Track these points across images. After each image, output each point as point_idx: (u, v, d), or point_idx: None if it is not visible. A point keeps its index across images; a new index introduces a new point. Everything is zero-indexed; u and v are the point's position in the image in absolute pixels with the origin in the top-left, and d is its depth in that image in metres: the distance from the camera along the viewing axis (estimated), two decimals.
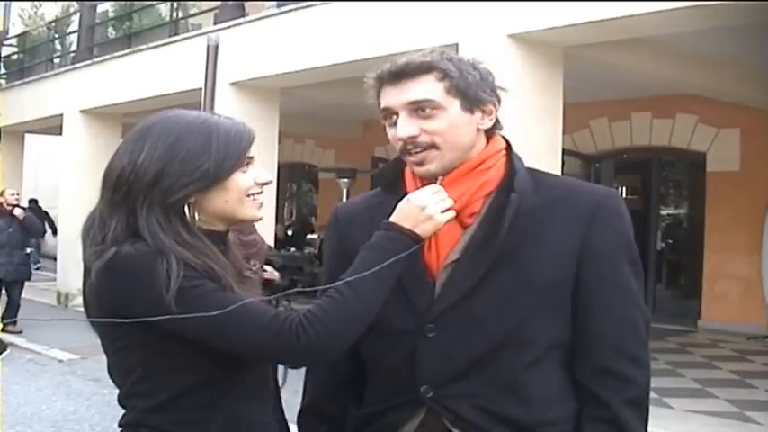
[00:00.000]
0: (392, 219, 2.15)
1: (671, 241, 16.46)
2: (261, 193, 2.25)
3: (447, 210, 2.15)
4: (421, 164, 2.20)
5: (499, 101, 2.27)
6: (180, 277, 2.01)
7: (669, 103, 14.17)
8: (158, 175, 2.10)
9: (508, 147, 2.31)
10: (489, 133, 2.29)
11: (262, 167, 2.26)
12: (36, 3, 22.30)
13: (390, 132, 2.24)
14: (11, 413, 8.28)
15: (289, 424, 2.40)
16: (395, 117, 2.21)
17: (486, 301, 2.16)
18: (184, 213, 2.15)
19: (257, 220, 2.32)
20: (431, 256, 2.22)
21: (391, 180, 2.36)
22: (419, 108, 2.17)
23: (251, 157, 2.21)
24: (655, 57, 10.51)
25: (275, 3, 13.30)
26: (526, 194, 2.20)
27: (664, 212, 16.63)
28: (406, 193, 2.23)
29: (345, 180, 14.15)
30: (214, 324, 2.00)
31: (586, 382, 2.20)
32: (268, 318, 2.03)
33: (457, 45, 8.92)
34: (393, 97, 2.21)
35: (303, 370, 2.49)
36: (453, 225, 2.21)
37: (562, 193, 2.26)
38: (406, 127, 2.18)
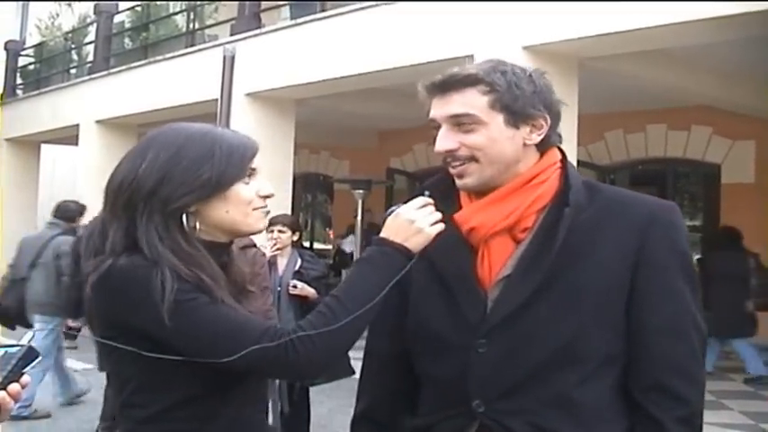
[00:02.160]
0: (383, 234, 2.17)
1: None
2: (265, 206, 2.27)
3: (436, 222, 2.16)
4: (459, 177, 2.21)
5: (554, 115, 2.24)
6: (174, 290, 2.03)
7: (684, 115, 14.15)
8: (159, 183, 2.13)
9: (564, 159, 2.28)
10: (545, 147, 2.26)
11: (265, 180, 2.28)
12: (53, 13, 22.32)
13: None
14: (26, 423, 8.32)
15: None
16: (438, 129, 2.21)
17: (538, 317, 2.13)
18: (182, 223, 2.18)
19: (258, 233, 2.34)
20: (483, 271, 2.21)
21: (445, 190, 2.30)
22: (458, 122, 2.17)
23: (254, 169, 2.23)
24: (669, 68, 10.51)
25: (291, 13, 13.36)
26: (580, 207, 2.18)
27: None
28: (460, 206, 2.25)
29: (360, 191, 14.11)
30: (206, 340, 2.03)
31: (639, 397, 2.16)
32: (258, 333, 2.04)
33: (472, 56, 8.93)
34: (438, 109, 2.21)
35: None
36: (506, 240, 2.20)
37: (617, 204, 2.23)
38: (444, 140, 2.19)
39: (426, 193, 2.23)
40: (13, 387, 1.81)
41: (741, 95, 11.78)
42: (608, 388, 2.17)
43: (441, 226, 2.16)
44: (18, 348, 1.85)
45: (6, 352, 1.85)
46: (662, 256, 2.17)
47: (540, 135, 2.22)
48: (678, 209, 2.28)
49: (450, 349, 2.22)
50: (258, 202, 2.24)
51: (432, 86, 2.21)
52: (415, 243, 2.14)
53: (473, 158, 2.17)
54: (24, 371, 1.84)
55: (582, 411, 2.13)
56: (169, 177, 2.13)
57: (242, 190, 2.21)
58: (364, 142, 19.56)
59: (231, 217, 2.21)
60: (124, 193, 2.15)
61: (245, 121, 12.44)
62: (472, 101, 2.16)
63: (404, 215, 2.16)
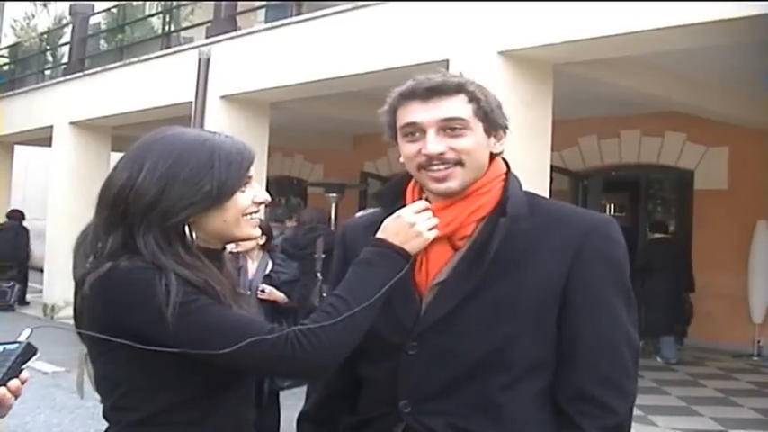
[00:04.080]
0: (380, 235, 2.18)
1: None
2: (257, 212, 2.26)
3: (433, 227, 2.18)
4: (443, 180, 2.21)
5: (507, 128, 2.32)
6: (179, 292, 2.00)
7: (658, 121, 14.21)
8: (158, 196, 2.09)
9: (508, 171, 2.33)
10: (491, 157, 2.31)
11: (259, 186, 2.26)
12: (29, 14, 22.24)
13: (408, 148, 2.24)
14: None
15: None
16: (418, 134, 2.22)
17: (468, 323, 2.17)
18: (184, 233, 2.14)
19: (254, 239, 2.32)
20: (420, 276, 2.25)
21: (392, 199, 2.36)
22: (449, 126, 2.19)
23: (250, 177, 2.22)
24: (644, 75, 10.56)
25: (266, 16, 13.34)
26: (519, 218, 2.21)
27: None
28: None
29: (334, 195, 14.15)
30: (211, 339, 2.00)
31: (565, 405, 2.19)
32: (264, 332, 2.02)
33: (447, 61, 8.95)
34: (423, 113, 2.21)
35: None
36: (444, 247, 2.24)
37: (555, 217, 2.27)
38: (435, 144, 2.19)
39: (424, 196, 2.27)
40: (14, 383, 1.85)
41: (715, 102, 11.84)
42: (535, 394, 2.19)
43: (436, 231, 2.19)
44: (17, 345, 1.90)
45: (5, 349, 1.89)
46: (596, 270, 2.20)
47: (501, 145, 2.30)
48: (616, 223, 2.30)
49: (384, 350, 2.25)
50: (252, 209, 2.23)
51: (420, 91, 2.22)
52: (413, 246, 2.16)
53: (459, 162, 2.20)
54: (23, 367, 1.88)
55: (507, 416, 2.16)
56: (169, 190, 2.09)
57: (240, 199, 2.19)
58: (338, 146, 19.56)
59: (227, 225, 2.19)
60: (120, 205, 2.11)
61: (219, 124, 12.37)
62: (461, 107, 2.21)
63: (405, 218, 2.18)
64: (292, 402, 7.97)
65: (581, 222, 2.25)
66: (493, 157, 2.30)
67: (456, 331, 2.17)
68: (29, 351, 1.90)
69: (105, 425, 2.22)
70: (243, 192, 2.20)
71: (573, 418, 2.16)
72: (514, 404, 2.16)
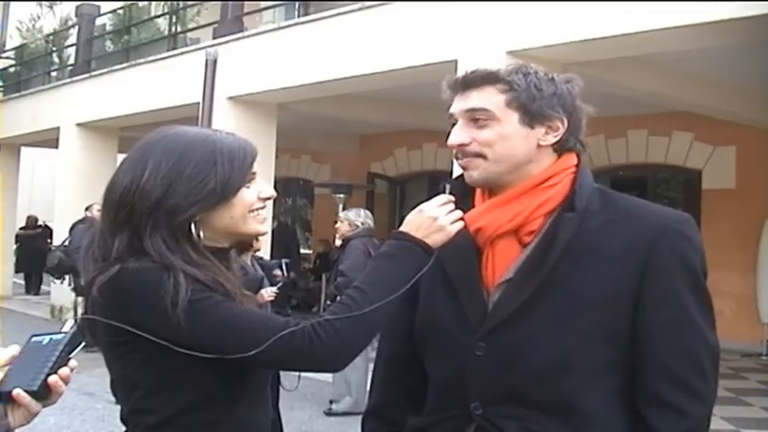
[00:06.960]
0: (403, 228, 2.16)
1: None
2: (264, 207, 2.25)
3: (456, 221, 2.16)
4: (466, 170, 2.21)
5: (575, 121, 2.24)
6: (188, 291, 2.00)
7: (665, 121, 14.20)
8: (164, 195, 2.08)
9: (579, 164, 2.27)
10: (562, 150, 2.24)
11: (264, 182, 2.26)
12: (34, 15, 22.27)
13: None
14: None
15: None
16: (455, 125, 2.23)
17: (536, 322, 2.11)
18: (191, 232, 2.14)
19: (262, 235, 2.31)
20: (487, 273, 2.19)
21: (463, 192, 2.28)
22: (474, 117, 2.17)
23: (254, 173, 2.21)
24: (651, 74, 10.55)
25: (274, 16, 13.34)
26: (589, 214, 2.16)
27: None
28: (473, 207, 2.25)
29: (341, 195, 14.13)
30: (228, 334, 2.00)
31: (642, 408, 2.13)
32: (280, 325, 2.02)
33: (456, 62, 8.94)
34: (457, 105, 2.22)
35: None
36: (511, 242, 2.18)
37: (628, 213, 2.20)
38: (457, 134, 2.19)
39: (448, 189, 2.23)
40: (64, 371, 1.88)
41: (722, 101, 11.83)
42: (608, 395, 2.13)
43: (460, 224, 2.16)
44: (63, 335, 1.93)
45: (52, 339, 1.93)
46: (669, 269, 2.12)
47: (555, 137, 2.20)
48: (692, 221, 2.22)
49: (451, 350, 2.21)
50: (258, 204, 2.22)
51: (455, 83, 2.24)
52: (435, 240, 2.14)
53: (481, 155, 2.17)
54: (71, 356, 1.92)
55: (580, 418, 2.10)
56: (174, 188, 2.09)
57: (245, 195, 2.19)
58: (345, 147, 19.57)
59: (235, 222, 2.19)
60: (126, 206, 2.11)
61: (226, 125, 12.36)
62: (489, 98, 2.17)
63: (427, 212, 2.15)
64: (301, 404, 7.98)
65: (655, 219, 2.18)
66: (562, 151, 2.25)
67: (523, 331, 2.11)
68: (75, 340, 1.94)
69: (115, 426, 2.22)
70: (248, 188, 2.19)
71: (649, 422, 2.11)
72: (588, 405, 2.10)
